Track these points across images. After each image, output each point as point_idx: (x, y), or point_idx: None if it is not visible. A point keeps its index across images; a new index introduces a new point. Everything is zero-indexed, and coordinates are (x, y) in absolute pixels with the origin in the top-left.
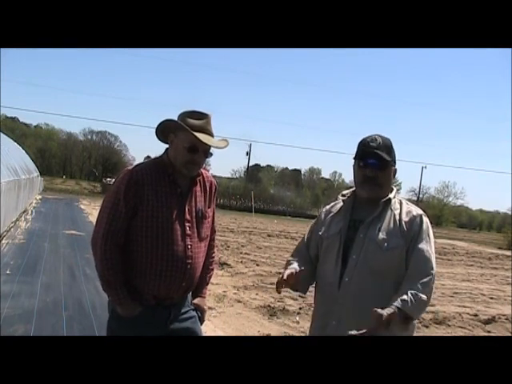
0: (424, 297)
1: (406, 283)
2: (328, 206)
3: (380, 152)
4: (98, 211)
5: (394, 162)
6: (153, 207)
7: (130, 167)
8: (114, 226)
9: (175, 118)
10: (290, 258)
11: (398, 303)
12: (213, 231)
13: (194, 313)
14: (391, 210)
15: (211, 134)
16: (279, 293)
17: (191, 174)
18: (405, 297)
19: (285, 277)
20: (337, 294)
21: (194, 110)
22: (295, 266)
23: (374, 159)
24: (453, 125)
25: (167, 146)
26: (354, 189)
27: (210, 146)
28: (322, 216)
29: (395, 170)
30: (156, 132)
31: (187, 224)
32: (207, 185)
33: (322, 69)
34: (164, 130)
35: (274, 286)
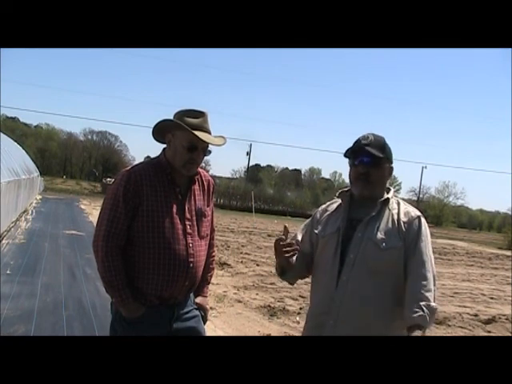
0: (435, 306)
1: (413, 288)
2: (324, 206)
3: (371, 149)
4: (99, 213)
5: (390, 161)
6: (152, 207)
7: (127, 168)
8: (115, 227)
9: (172, 118)
10: None
11: (418, 320)
12: (212, 230)
13: (197, 312)
14: (389, 209)
15: (209, 132)
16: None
17: (190, 173)
18: (421, 312)
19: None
20: (334, 294)
21: (190, 109)
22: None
23: (366, 156)
24: (453, 125)
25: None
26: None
27: (208, 144)
28: (318, 215)
29: (391, 169)
30: (153, 132)
31: (187, 223)
32: (205, 184)
33: (322, 69)
34: (161, 130)
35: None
